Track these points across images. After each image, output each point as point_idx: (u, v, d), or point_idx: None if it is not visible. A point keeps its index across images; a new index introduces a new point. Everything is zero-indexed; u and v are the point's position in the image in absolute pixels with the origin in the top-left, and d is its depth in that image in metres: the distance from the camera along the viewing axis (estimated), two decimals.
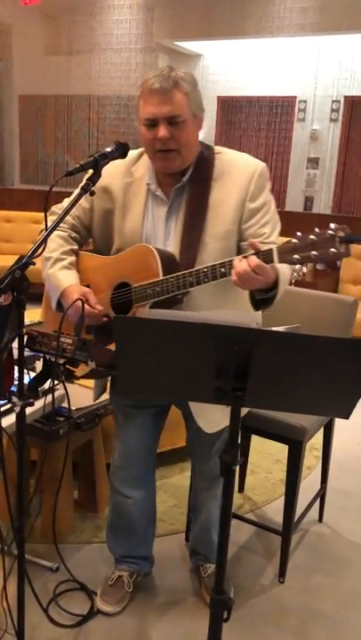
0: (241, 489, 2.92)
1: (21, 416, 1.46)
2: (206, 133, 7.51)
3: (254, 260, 1.40)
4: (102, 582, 2.19)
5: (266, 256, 1.41)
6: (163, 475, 2.95)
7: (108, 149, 1.59)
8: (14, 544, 1.85)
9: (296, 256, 1.37)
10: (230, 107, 7.34)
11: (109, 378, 1.87)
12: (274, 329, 1.11)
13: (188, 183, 1.68)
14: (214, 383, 1.24)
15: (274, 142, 7.16)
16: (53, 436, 2.29)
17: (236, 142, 7.36)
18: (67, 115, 8.09)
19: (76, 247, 1.84)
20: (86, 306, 1.61)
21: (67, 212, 1.54)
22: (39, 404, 1.80)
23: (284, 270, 1.54)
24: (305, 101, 6.94)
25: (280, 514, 2.34)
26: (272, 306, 1.56)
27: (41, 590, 2.13)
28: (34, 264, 1.42)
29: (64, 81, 7.93)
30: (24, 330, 1.42)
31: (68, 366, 1.49)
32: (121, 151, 1.61)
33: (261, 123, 7.17)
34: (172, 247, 1.67)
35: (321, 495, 2.70)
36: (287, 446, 2.24)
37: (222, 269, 1.50)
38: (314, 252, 1.35)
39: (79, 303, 1.61)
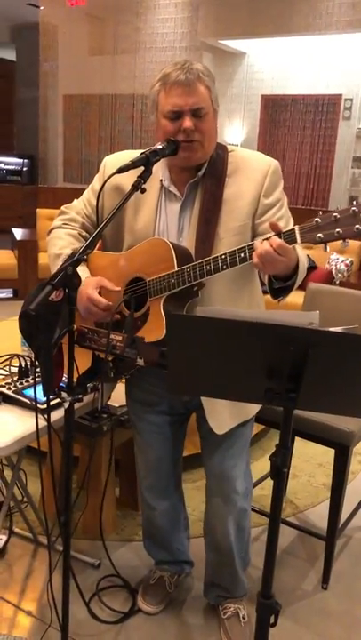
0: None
1: (70, 412, 1.47)
2: (250, 132, 7.47)
3: (276, 240, 1.37)
4: (144, 580, 2.19)
5: (288, 236, 1.38)
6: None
7: (160, 146, 1.58)
8: (59, 539, 1.86)
9: (320, 234, 1.34)
10: (274, 105, 7.26)
11: (118, 381, 1.86)
12: (331, 329, 1.08)
13: (203, 179, 1.67)
14: (267, 384, 1.21)
15: (319, 141, 7.05)
16: (97, 433, 2.30)
17: (280, 141, 7.29)
18: (110, 114, 8.15)
19: None
20: (99, 299, 1.59)
21: (118, 208, 1.53)
22: (86, 399, 1.81)
23: (302, 257, 1.52)
24: (351, 99, 6.80)
25: (323, 519, 2.30)
26: (291, 293, 1.54)
27: (83, 586, 2.14)
28: (85, 260, 1.42)
29: (108, 80, 7.99)
30: (74, 326, 1.42)
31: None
32: (172, 148, 1.60)
33: (306, 121, 7.07)
34: (186, 242, 1.66)
35: None
36: (332, 450, 2.20)
37: (242, 254, 1.46)
38: (338, 230, 1.31)
39: (89, 293, 1.59)
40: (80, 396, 1.46)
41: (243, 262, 1.47)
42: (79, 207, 1.85)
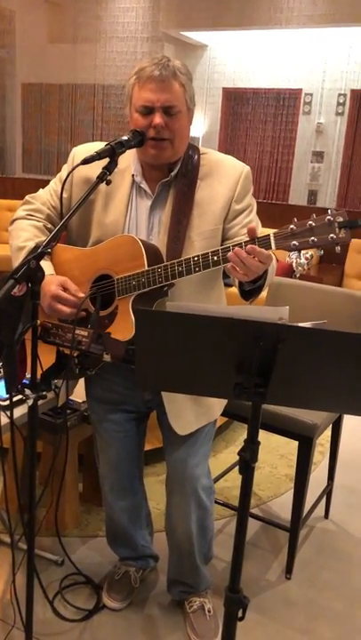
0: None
1: (34, 409, 1.43)
2: (211, 124, 7.45)
3: (253, 246, 1.37)
4: (108, 576, 2.17)
5: (263, 242, 1.39)
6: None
7: (125, 137, 1.56)
8: (22, 538, 1.83)
9: (295, 242, 1.35)
10: (236, 98, 7.27)
11: (80, 379, 1.83)
12: (300, 324, 1.08)
13: (175, 179, 1.66)
14: (235, 379, 1.21)
15: (280, 135, 7.10)
16: (61, 429, 2.27)
17: (241, 134, 7.30)
18: (71, 103, 8.01)
19: None
20: (65, 295, 1.56)
21: (83, 199, 1.50)
22: (49, 395, 1.77)
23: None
24: (311, 94, 6.87)
25: (286, 509, 2.33)
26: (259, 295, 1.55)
27: (46, 584, 2.11)
28: (50, 253, 1.39)
29: (69, 69, 7.85)
30: (38, 321, 1.39)
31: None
32: (138, 140, 1.57)
33: (268, 115, 7.11)
34: (156, 241, 1.64)
35: (328, 492, 2.68)
36: (293, 441, 2.22)
37: (215, 257, 1.46)
38: (313, 238, 1.33)
39: (53, 290, 1.56)
40: (44, 392, 1.43)
41: (215, 265, 1.47)
42: (45, 197, 1.79)
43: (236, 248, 1.40)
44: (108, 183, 1.53)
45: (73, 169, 1.58)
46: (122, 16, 7.24)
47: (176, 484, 1.84)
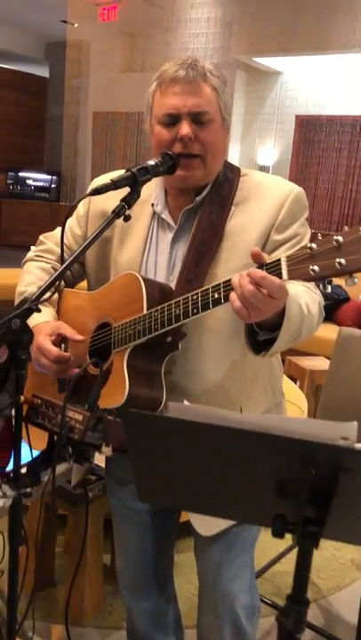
0: None
1: (15, 510, 1.10)
2: (283, 153, 7.12)
3: (258, 272, 1.00)
4: None
5: (271, 270, 1.01)
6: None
7: (152, 162, 1.22)
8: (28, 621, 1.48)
9: (314, 267, 0.95)
10: (309, 125, 6.92)
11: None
12: None
13: (203, 205, 1.31)
14: (275, 507, 0.83)
15: (355, 164, 6.66)
16: (82, 501, 1.93)
17: (313, 162, 6.93)
18: (137, 131, 7.93)
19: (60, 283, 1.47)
20: (48, 350, 1.25)
21: (92, 239, 1.19)
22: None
23: (298, 295, 1.14)
24: None
25: (352, 608, 1.86)
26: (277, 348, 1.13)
27: None
28: (39, 311, 1.07)
29: (136, 97, 7.77)
30: (22, 397, 1.07)
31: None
32: (168, 165, 1.24)
33: (343, 142, 6.70)
34: (175, 281, 1.30)
35: None
36: None
37: (215, 294, 1.10)
38: (340, 260, 0.92)
39: (39, 341, 1.25)
40: (29, 489, 1.09)
41: (216, 305, 1.10)
42: (59, 236, 1.49)
43: (233, 278, 1.04)
44: (127, 219, 1.20)
45: (78, 201, 1.28)
46: (191, 42, 7.09)
47: (207, 600, 1.45)
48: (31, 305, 1.05)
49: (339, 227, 6.69)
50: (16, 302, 1.44)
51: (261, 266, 1.03)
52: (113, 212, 1.19)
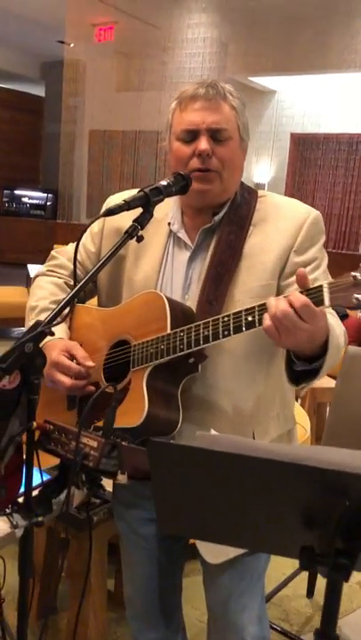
0: (310, 593, 2.39)
1: (26, 541, 1.06)
2: (278, 170, 7.16)
3: (300, 297, 1.00)
4: None
5: (313, 296, 1.01)
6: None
7: (164, 182, 1.21)
8: None
9: (358, 295, 0.97)
10: (305, 143, 6.98)
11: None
12: None
13: (220, 225, 1.30)
14: (303, 539, 0.80)
15: (352, 181, 6.72)
16: (85, 525, 1.88)
17: (310, 180, 6.97)
18: (134, 149, 7.98)
19: None
20: (66, 363, 1.24)
21: (106, 259, 1.17)
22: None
23: (336, 328, 1.13)
24: None
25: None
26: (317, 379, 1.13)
27: None
28: (52, 334, 1.05)
29: (132, 116, 7.83)
30: (35, 423, 1.03)
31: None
32: (180, 185, 1.22)
33: (339, 160, 6.76)
34: (191, 301, 1.29)
35: None
36: None
37: (249, 317, 1.08)
38: None
39: (53, 357, 1.23)
40: (40, 518, 1.06)
41: (250, 328, 1.09)
42: (72, 252, 1.48)
43: (270, 300, 1.04)
44: (140, 240, 1.19)
45: (92, 221, 1.26)
46: (188, 62, 7.17)
47: (216, 630, 1.40)
48: (44, 328, 1.02)
49: (336, 244, 6.71)
50: (26, 317, 1.43)
51: (303, 290, 1.02)
52: (126, 232, 1.18)
